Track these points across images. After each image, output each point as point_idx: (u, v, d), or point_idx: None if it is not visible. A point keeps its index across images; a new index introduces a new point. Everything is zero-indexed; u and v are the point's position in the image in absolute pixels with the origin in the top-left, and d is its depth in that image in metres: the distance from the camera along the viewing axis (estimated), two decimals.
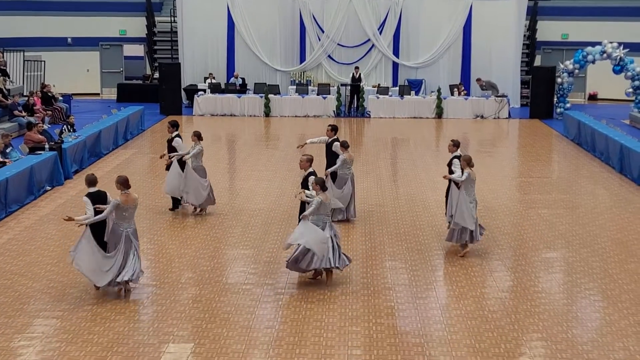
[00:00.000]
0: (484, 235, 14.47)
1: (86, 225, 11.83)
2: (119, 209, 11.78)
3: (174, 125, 17.04)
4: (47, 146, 19.55)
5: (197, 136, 16.65)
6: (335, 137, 16.58)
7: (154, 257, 13.91)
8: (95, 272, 11.80)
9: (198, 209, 16.72)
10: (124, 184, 11.96)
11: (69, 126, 23.64)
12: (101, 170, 20.89)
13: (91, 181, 12.14)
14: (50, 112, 28.78)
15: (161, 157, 17.53)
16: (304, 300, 11.87)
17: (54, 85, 31.59)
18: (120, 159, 22.57)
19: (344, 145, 16.10)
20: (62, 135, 21.86)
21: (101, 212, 11.76)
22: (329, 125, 16.77)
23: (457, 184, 14.44)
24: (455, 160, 14.70)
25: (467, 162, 14.09)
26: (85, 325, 10.84)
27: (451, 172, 14.71)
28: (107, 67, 38.16)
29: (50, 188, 18.70)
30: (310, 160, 13.65)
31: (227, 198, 18.22)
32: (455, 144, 15.16)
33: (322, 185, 12.55)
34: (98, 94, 37.88)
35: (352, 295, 12.10)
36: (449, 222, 14.77)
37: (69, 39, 37.52)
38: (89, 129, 22.75)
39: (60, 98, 30.52)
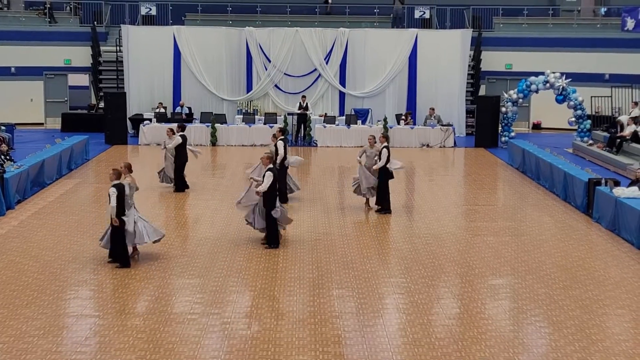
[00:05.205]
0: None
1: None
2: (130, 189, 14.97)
3: (181, 127, 22.74)
4: None
5: (172, 131, 21.98)
6: (283, 137, 20.37)
7: (97, 287, 13.67)
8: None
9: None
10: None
11: (3, 155, 23.06)
12: (44, 200, 20.57)
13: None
14: None
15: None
16: (250, 330, 11.75)
17: None
18: (64, 189, 22.23)
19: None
20: (3, 166, 21.45)
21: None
22: (279, 128, 21.66)
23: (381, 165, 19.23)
24: (384, 150, 19.15)
25: (386, 138, 20.21)
26: (26, 357, 10.58)
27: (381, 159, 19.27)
28: (52, 96, 37.70)
29: None
30: (270, 158, 16.75)
31: (173, 227, 18.04)
32: (385, 136, 20.84)
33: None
34: (42, 124, 37.39)
35: (298, 323, 12.00)
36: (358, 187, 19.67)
37: (13, 68, 37.07)
38: (32, 159, 22.36)
39: (3, 128, 30.04)
